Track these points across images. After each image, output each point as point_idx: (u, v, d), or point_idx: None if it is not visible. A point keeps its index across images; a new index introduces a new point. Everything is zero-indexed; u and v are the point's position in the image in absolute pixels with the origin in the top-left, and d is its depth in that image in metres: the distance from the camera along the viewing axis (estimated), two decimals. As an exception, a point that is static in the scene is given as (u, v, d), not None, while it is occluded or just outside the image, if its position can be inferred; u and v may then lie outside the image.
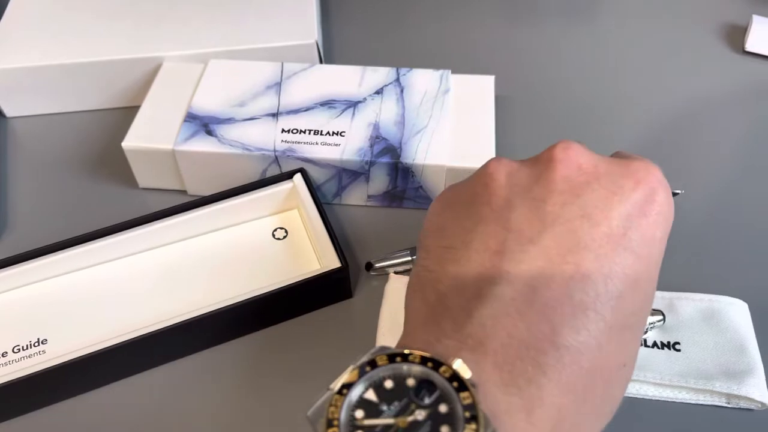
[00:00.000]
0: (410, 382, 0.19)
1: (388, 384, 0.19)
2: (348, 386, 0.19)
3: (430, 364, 0.19)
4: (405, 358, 0.19)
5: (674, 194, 0.37)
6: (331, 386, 0.19)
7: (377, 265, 0.35)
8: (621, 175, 0.23)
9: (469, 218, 0.24)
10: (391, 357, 0.19)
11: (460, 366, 0.19)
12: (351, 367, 0.20)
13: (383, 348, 0.20)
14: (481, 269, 0.22)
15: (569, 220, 0.22)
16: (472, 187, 0.25)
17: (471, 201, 0.24)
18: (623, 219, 0.22)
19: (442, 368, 0.19)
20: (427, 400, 0.19)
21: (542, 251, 0.21)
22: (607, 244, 0.22)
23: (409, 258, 0.35)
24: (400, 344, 0.22)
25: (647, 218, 0.23)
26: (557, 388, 0.20)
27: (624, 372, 0.22)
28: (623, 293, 0.21)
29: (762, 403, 0.30)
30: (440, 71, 0.42)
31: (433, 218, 0.25)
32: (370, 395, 0.19)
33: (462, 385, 0.18)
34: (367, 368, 0.19)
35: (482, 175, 0.25)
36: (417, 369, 0.19)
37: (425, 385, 0.19)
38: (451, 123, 0.39)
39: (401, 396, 0.19)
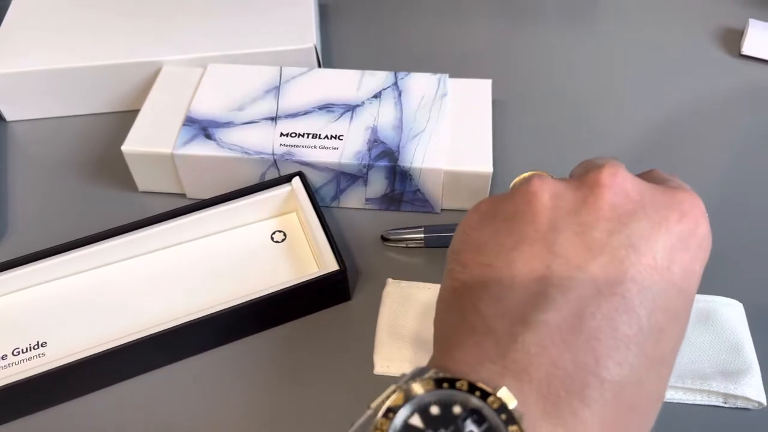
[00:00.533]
0: (457, 409, 0.19)
1: (435, 410, 0.19)
2: (393, 410, 0.19)
3: (478, 393, 0.19)
4: (452, 384, 0.19)
5: None
6: (372, 405, 0.19)
7: (392, 237, 0.37)
8: (666, 206, 0.23)
9: (511, 236, 0.23)
10: (438, 382, 0.19)
11: (505, 394, 0.19)
12: (393, 387, 0.19)
13: (423, 369, 0.20)
14: (526, 293, 0.21)
15: (616, 249, 0.22)
16: (513, 203, 0.24)
17: (512, 217, 0.23)
18: (667, 251, 0.22)
19: (490, 398, 0.19)
20: (475, 430, 0.18)
21: (590, 280, 0.21)
22: (651, 276, 0.21)
23: (422, 235, 0.37)
24: (437, 363, 0.22)
25: (689, 252, 0.22)
26: (600, 422, 0.19)
27: (658, 406, 0.22)
28: (665, 328, 0.21)
29: (759, 403, 0.30)
30: (438, 75, 0.42)
31: (469, 231, 0.24)
32: (416, 421, 0.19)
33: (510, 417, 0.18)
34: (413, 391, 0.19)
35: (525, 192, 0.24)
36: (465, 398, 0.19)
37: (473, 414, 0.19)
38: (449, 127, 0.39)
39: (448, 423, 0.19)
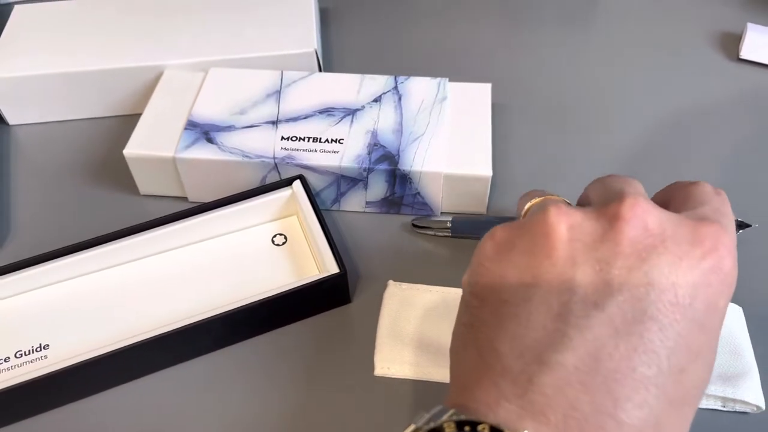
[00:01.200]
0: None
1: None
2: None
3: None
4: (473, 427, 0.19)
5: (745, 226, 0.37)
6: None
7: (420, 224, 0.39)
8: (689, 241, 0.22)
9: (528, 270, 0.23)
10: (459, 425, 0.19)
11: None
12: (413, 428, 0.19)
13: (443, 410, 0.20)
14: (543, 332, 0.21)
15: (635, 286, 0.21)
16: (530, 235, 0.23)
17: (529, 251, 0.23)
18: (689, 287, 0.21)
19: None
20: None
21: (607, 319, 0.21)
22: (672, 314, 0.21)
23: (449, 225, 0.38)
24: (455, 401, 0.22)
25: (712, 288, 0.22)
26: None
27: None
28: (686, 368, 0.21)
29: (757, 406, 0.30)
30: (437, 79, 0.42)
31: (486, 264, 0.24)
32: None
33: None
34: None
35: (542, 223, 0.23)
36: None
37: None
38: (449, 130, 0.39)
39: None
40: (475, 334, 0.23)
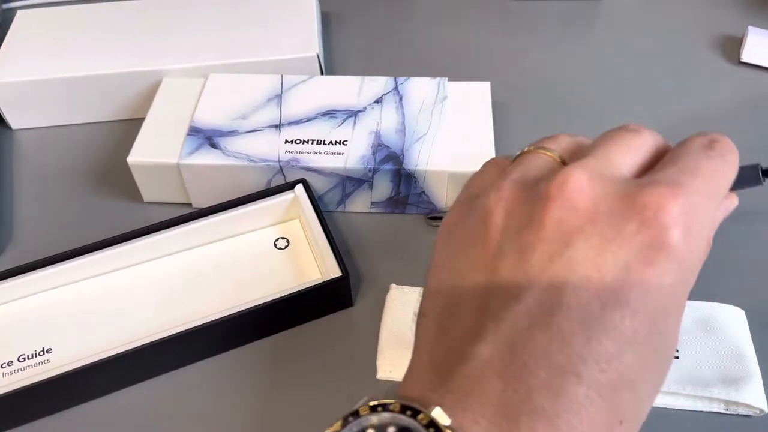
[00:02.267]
0: (391, 430, 0.19)
1: None
2: None
3: (409, 413, 0.19)
4: (385, 407, 0.20)
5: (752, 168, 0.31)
6: None
7: (435, 215, 0.39)
8: (623, 215, 0.20)
9: (463, 258, 0.23)
10: (373, 408, 0.20)
11: (438, 414, 0.19)
12: (338, 417, 0.20)
13: (370, 398, 0.21)
14: (467, 325, 0.21)
15: (556, 275, 0.20)
16: (471, 221, 0.23)
17: (468, 237, 0.23)
18: (619, 270, 0.20)
19: (420, 416, 0.19)
20: None
21: (524, 310, 0.20)
22: (595, 301, 0.20)
23: None
24: (399, 390, 0.22)
25: (653, 267, 0.20)
26: None
27: (621, 429, 0.20)
28: (614, 354, 0.19)
29: (760, 410, 0.30)
30: (437, 79, 0.42)
31: (437, 245, 0.24)
32: None
33: (438, 430, 0.19)
34: (350, 418, 0.20)
35: (483, 209, 0.23)
36: (389, 417, 0.20)
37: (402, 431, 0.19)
38: (451, 129, 0.40)
39: None
40: (419, 327, 0.23)
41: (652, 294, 0.20)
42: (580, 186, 0.21)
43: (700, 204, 0.21)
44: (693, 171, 0.21)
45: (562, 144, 0.25)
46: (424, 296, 0.24)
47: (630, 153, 0.23)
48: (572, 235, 0.20)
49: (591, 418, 0.19)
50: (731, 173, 0.23)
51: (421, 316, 0.23)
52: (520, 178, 0.23)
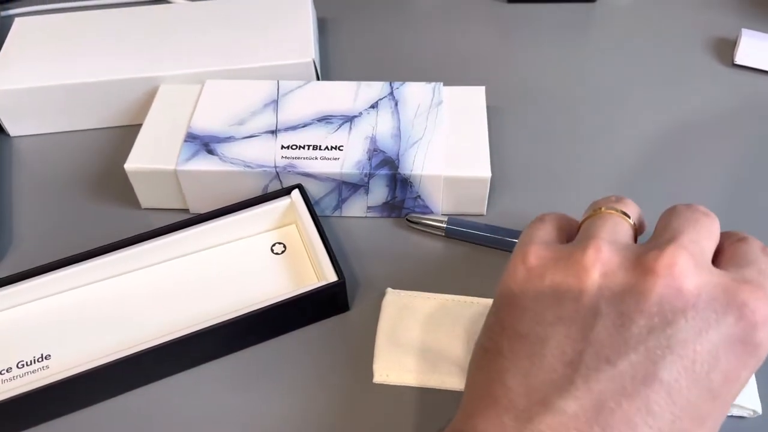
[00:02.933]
0: None
1: None
2: None
3: None
4: None
5: None
6: None
7: (414, 218, 0.39)
8: (724, 306, 0.22)
9: (552, 308, 0.23)
10: None
11: None
12: None
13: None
14: (553, 375, 0.21)
15: (651, 348, 0.21)
16: (564, 271, 0.23)
17: (559, 288, 0.23)
18: (711, 356, 0.21)
19: None
20: None
21: (617, 375, 0.21)
22: (684, 380, 0.21)
23: (444, 225, 0.38)
24: (459, 427, 0.22)
25: (737, 359, 0.21)
26: None
27: None
28: (689, 431, 0.21)
29: (753, 411, 0.30)
30: (432, 84, 0.43)
31: (514, 286, 0.24)
32: None
33: None
34: None
35: (577, 263, 0.23)
36: None
37: None
38: (446, 133, 0.40)
39: None
40: (489, 362, 0.23)
41: (732, 383, 0.22)
42: (687, 271, 0.22)
43: None
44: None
45: (630, 208, 0.26)
46: (498, 329, 0.24)
47: (712, 239, 0.25)
48: (673, 316, 0.21)
49: None
50: None
51: (496, 354, 0.23)
52: (613, 241, 0.24)
